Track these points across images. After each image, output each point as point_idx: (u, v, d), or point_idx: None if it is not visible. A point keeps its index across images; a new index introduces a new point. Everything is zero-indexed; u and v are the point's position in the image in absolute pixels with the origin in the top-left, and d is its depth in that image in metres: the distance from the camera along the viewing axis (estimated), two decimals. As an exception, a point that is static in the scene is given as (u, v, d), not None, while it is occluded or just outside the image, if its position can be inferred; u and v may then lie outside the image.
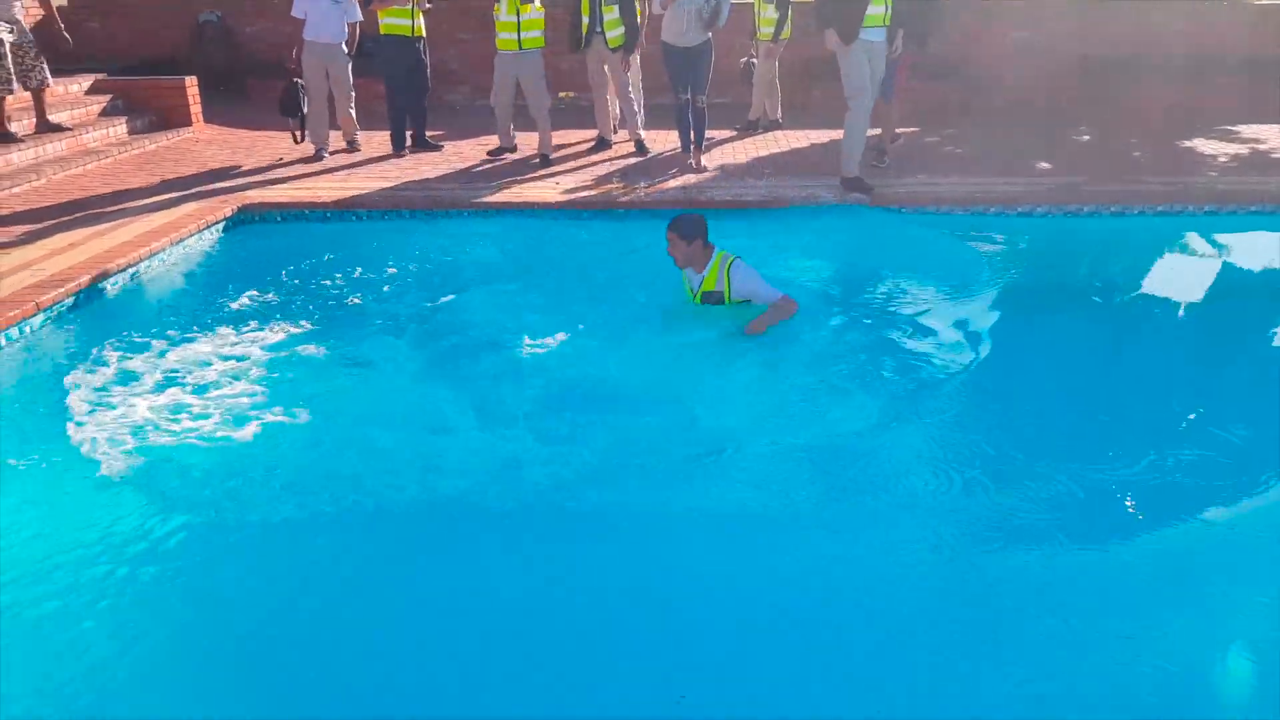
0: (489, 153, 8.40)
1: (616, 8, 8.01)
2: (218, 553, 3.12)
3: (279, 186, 7.23)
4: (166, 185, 7.26)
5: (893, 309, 5.11)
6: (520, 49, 7.95)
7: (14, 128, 7.62)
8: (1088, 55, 10.85)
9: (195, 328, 4.77)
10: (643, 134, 8.50)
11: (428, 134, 8.77)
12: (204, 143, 9.01)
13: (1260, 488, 3.49)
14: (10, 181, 7.00)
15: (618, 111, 8.76)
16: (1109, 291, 5.68)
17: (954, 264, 5.85)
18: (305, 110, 8.39)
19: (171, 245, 5.84)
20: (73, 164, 7.70)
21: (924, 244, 6.22)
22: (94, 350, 4.46)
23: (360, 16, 8.28)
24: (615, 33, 8.04)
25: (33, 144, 7.63)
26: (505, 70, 8.07)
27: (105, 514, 3.21)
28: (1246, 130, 9.14)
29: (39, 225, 6.11)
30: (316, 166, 8.01)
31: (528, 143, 8.56)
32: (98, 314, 5.01)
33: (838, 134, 7.26)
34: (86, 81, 9.21)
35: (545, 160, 8.14)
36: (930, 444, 3.75)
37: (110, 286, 5.27)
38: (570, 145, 8.74)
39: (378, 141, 8.73)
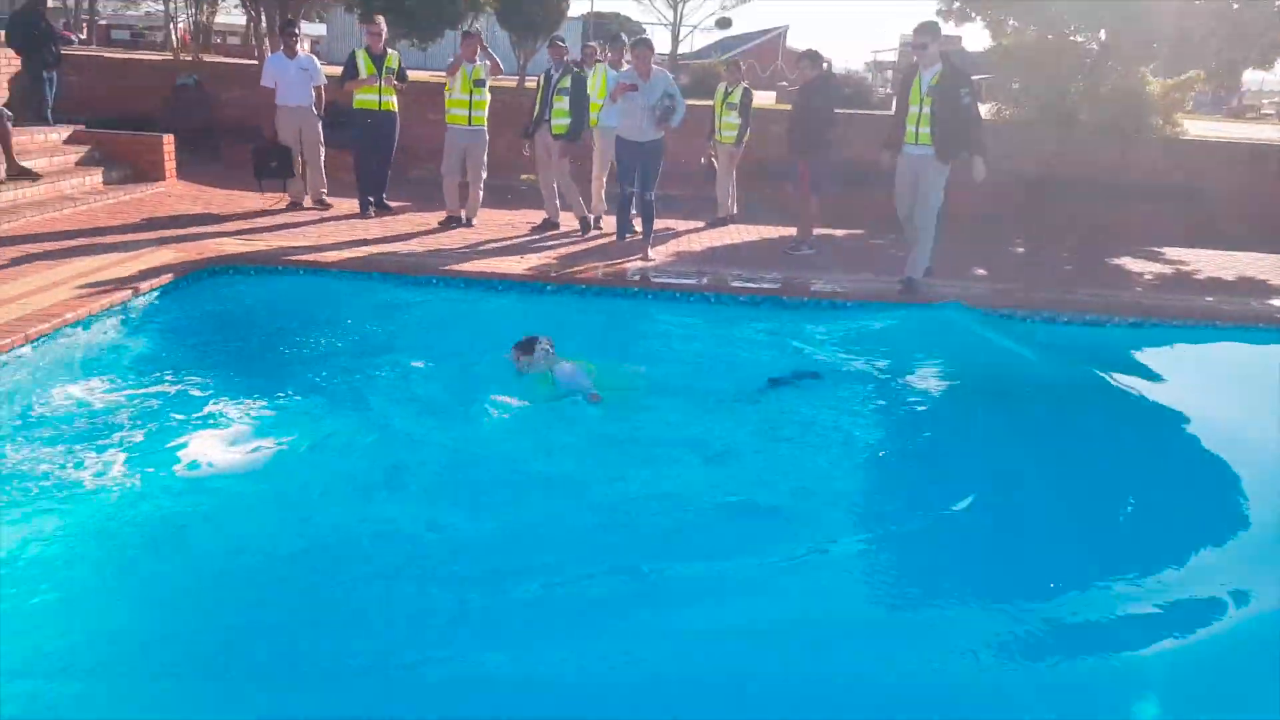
0: (440, 222, 8.83)
1: (567, 99, 8.61)
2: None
3: (250, 238, 7.52)
4: (140, 233, 7.49)
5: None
6: (470, 125, 8.66)
7: (-8, 171, 7.81)
8: (1022, 174, 11.76)
9: (165, 372, 4.98)
10: (590, 215, 9.09)
11: (387, 200, 9.27)
12: (176, 197, 9.28)
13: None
14: (-13, 221, 7.18)
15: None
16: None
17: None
18: (297, 169, 9.01)
19: (149, 291, 6.04)
20: (50, 208, 7.91)
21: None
22: (70, 386, 4.66)
23: (324, 80, 9.04)
24: (560, 121, 8.66)
25: (11, 187, 7.82)
26: (454, 143, 8.74)
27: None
28: (1170, 252, 9.89)
29: (18, 265, 6.28)
30: (285, 219, 8.45)
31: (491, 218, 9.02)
32: (71, 353, 5.18)
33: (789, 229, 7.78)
34: (65, 132, 9.46)
35: (468, 222, 8.82)
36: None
37: (80, 331, 5.44)
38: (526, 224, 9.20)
39: (343, 207, 9.19)
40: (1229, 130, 19.92)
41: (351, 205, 9.21)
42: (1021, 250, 9.62)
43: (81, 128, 9.70)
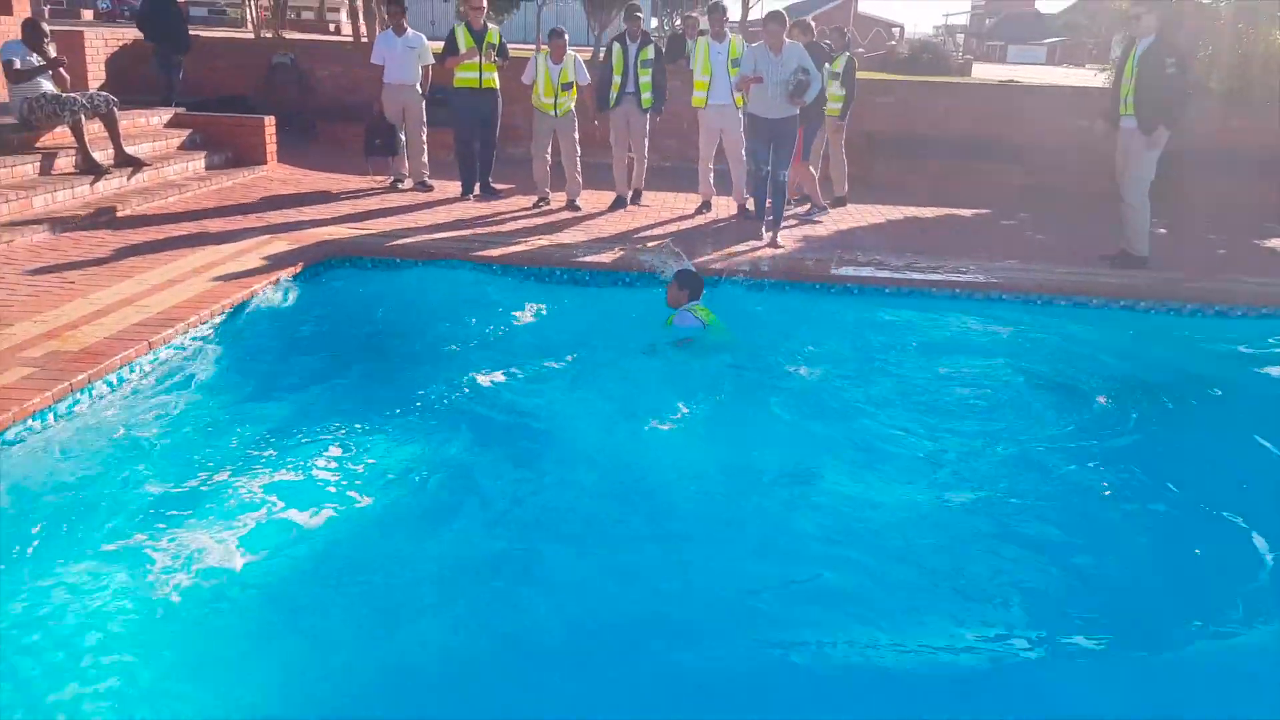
0: (533, 205, 8.61)
1: (650, 71, 8.45)
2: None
3: (360, 225, 7.28)
4: (251, 221, 7.30)
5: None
6: (555, 114, 8.44)
7: (98, 157, 7.66)
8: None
9: (293, 375, 4.76)
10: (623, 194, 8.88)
11: (492, 182, 8.98)
12: (280, 180, 9.09)
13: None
14: (100, 211, 7.03)
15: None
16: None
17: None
18: (400, 147, 8.84)
19: (270, 287, 5.80)
20: (155, 196, 7.76)
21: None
22: (200, 395, 4.44)
23: (431, 59, 8.77)
24: (647, 95, 8.50)
25: (117, 175, 7.69)
26: (543, 124, 8.54)
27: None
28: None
29: (133, 259, 6.11)
30: (391, 202, 8.24)
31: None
32: (205, 355, 4.97)
33: (910, 209, 7.26)
34: (166, 115, 9.33)
35: (573, 206, 8.57)
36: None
37: (211, 330, 5.23)
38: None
39: (446, 189, 8.96)
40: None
41: (453, 187, 8.94)
42: (1163, 231, 8.84)
43: (182, 111, 9.56)
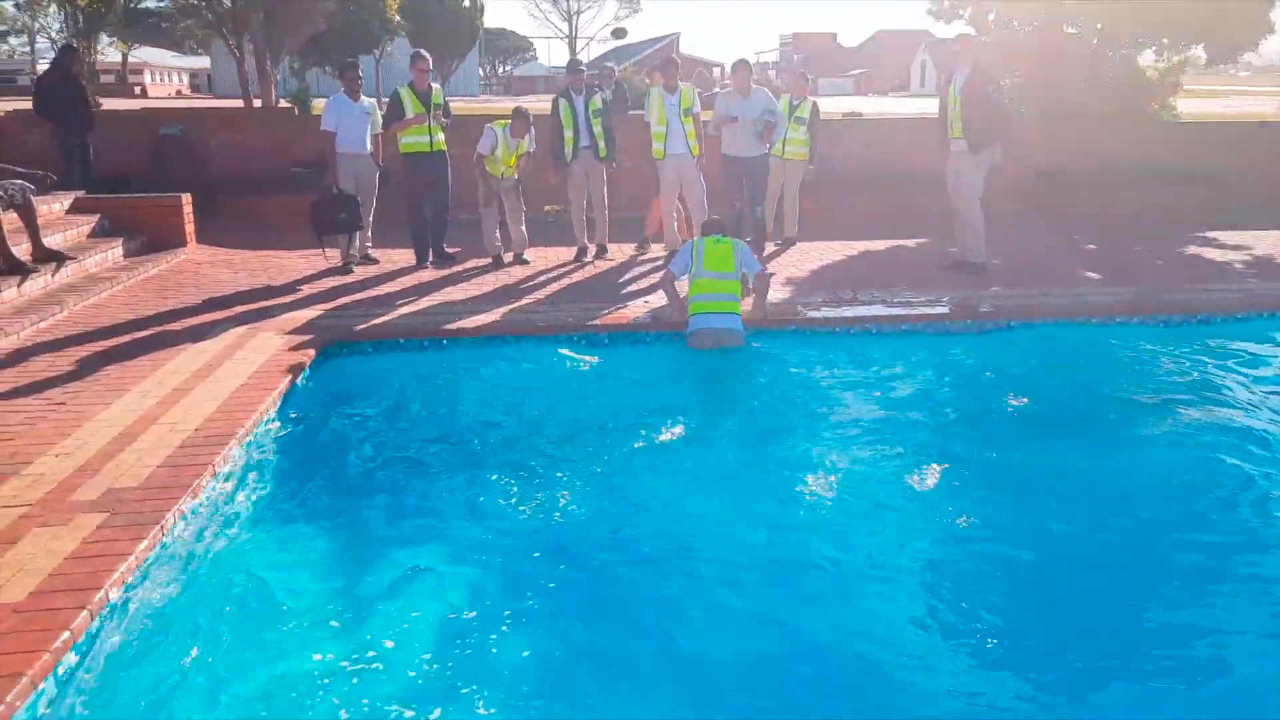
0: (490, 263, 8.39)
1: (601, 122, 8.45)
2: None
3: (337, 305, 6.71)
4: (214, 313, 6.61)
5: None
6: (504, 177, 8.29)
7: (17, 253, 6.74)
8: (1038, 167, 11.75)
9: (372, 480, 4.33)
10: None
11: (447, 248, 8.57)
12: (209, 264, 8.31)
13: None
14: (35, 315, 6.17)
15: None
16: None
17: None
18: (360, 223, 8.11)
19: (292, 383, 5.23)
20: (88, 292, 6.89)
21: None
22: (297, 505, 3.93)
23: (382, 127, 8.20)
24: (602, 144, 8.50)
25: (42, 273, 6.79)
26: (493, 188, 8.30)
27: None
28: (1223, 236, 9.96)
29: (112, 369, 5.38)
30: (349, 281, 7.68)
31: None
32: (272, 464, 4.42)
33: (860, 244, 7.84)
34: (66, 200, 8.36)
35: (520, 260, 8.44)
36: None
37: (267, 436, 4.66)
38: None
39: (394, 259, 8.48)
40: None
41: (400, 256, 8.45)
42: (1094, 248, 9.47)
43: (82, 194, 8.59)
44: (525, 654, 3.09)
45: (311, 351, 5.72)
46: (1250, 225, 10.39)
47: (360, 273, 7.98)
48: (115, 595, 3.14)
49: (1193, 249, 9.33)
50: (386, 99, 8.33)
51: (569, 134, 8.39)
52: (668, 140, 8.25)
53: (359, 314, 6.63)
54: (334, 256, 8.16)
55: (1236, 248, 9.31)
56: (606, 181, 8.73)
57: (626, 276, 7.93)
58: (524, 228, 8.55)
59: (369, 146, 8.06)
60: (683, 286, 6.41)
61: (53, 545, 3.34)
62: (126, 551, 3.29)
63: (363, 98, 8.03)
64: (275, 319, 6.48)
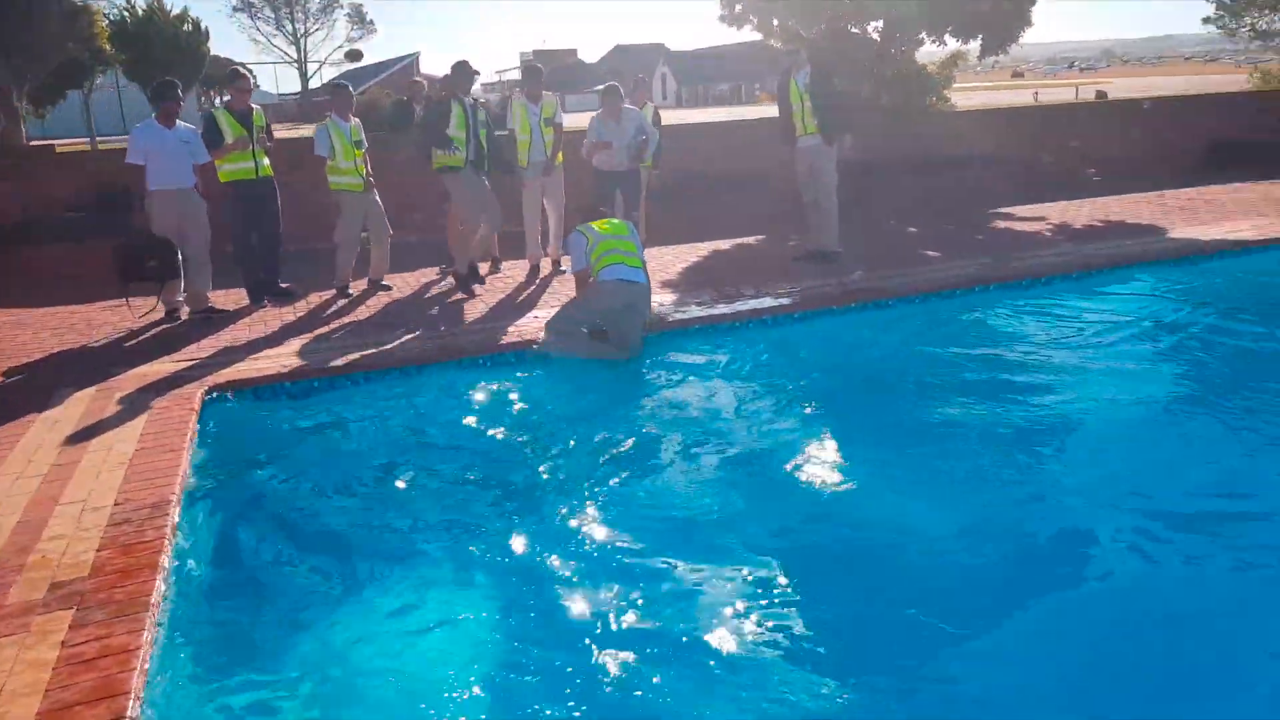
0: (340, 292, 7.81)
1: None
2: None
3: (186, 357, 5.98)
4: (41, 376, 5.69)
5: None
6: (365, 189, 7.73)
7: None
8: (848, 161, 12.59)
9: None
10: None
11: (281, 283, 7.81)
12: (9, 325, 7.13)
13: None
14: None
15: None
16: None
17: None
18: (180, 268, 7.03)
19: (189, 439, 4.58)
20: None
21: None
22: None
23: (208, 157, 7.22)
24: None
25: None
26: (354, 206, 7.71)
27: None
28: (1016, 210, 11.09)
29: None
30: (183, 331, 6.80)
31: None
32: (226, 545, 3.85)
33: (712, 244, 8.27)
34: None
35: (381, 286, 7.92)
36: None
37: (192, 499, 4.06)
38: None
39: (218, 301, 7.45)
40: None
41: (230, 298, 7.60)
42: (915, 230, 10.20)
43: None
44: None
45: (195, 404, 5.05)
46: (1037, 200, 11.60)
47: (190, 320, 7.08)
48: (145, 693, 2.64)
49: (999, 223, 10.34)
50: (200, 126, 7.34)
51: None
52: (531, 148, 8.11)
53: (219, 361, 5.92)
54: (142, 307, 7.17)
55: (1036, 219, 10.43)
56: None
57: (496, 297, 7.65)
58: (387, 247, 7.89)
59: (194, 179, 7.05)
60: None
61: (27, 656, 2.74)
62: (132, 645, 2.77)
63: (179, 123, 7.01)
64: (122, 377, 5.66)
